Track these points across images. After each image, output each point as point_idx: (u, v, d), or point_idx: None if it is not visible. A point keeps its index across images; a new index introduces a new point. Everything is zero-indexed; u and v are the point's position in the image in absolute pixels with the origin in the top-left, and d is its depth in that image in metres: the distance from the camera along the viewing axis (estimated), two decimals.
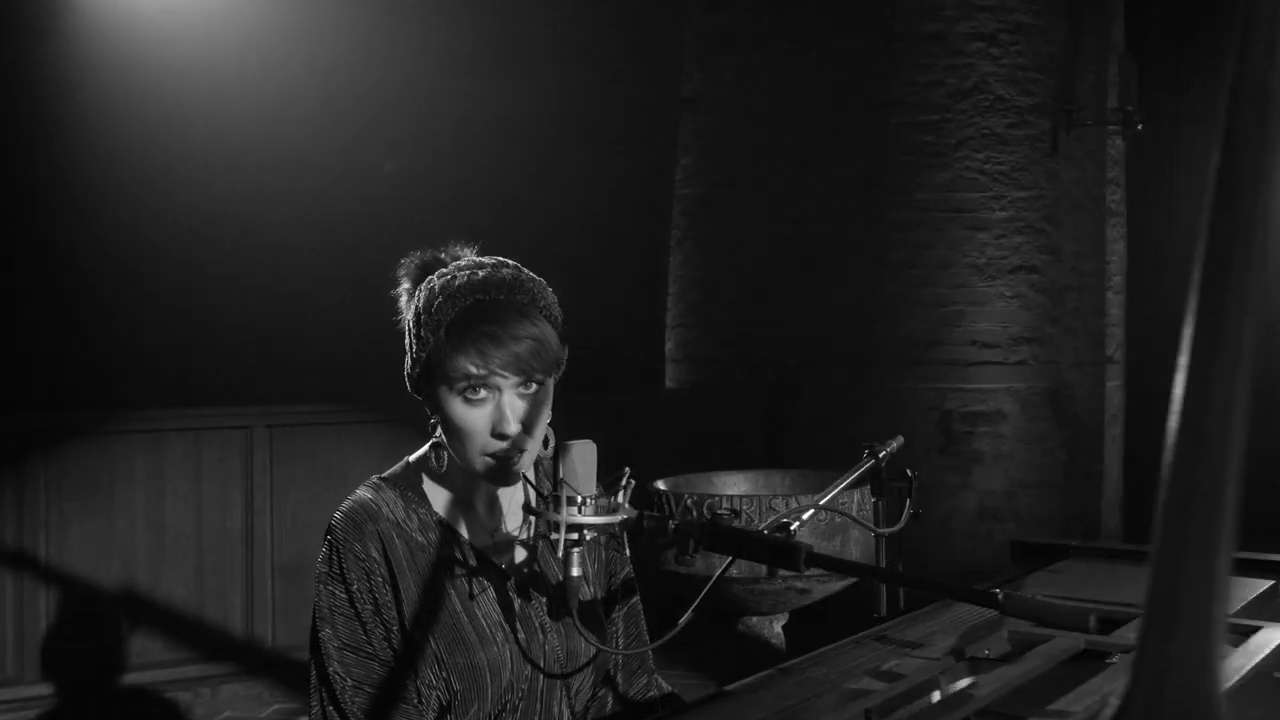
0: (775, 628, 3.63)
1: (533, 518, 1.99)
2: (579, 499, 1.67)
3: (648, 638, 2.12)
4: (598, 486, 1.71)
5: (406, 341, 1.94)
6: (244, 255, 6.72)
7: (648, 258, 8.28)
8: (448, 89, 7.53)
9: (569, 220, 8.11)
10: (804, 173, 7.80)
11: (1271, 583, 2.00)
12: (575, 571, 1.72)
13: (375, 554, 1.85)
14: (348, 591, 1.84)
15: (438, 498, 1.95)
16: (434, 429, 1.94)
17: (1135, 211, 8.39)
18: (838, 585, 3.45)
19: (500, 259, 1.93)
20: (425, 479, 1.97)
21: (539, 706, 1.88)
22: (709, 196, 8.16)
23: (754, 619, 3.59)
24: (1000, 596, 1.36)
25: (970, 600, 1.41)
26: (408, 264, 2.01)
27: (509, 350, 1.83)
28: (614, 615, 2.07)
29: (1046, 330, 7.84)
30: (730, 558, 1.65)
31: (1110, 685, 1.35)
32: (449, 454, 1.91)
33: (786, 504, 3.45)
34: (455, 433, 1.87)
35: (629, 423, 6.86)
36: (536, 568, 1.97)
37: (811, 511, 1.94)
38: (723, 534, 1.56)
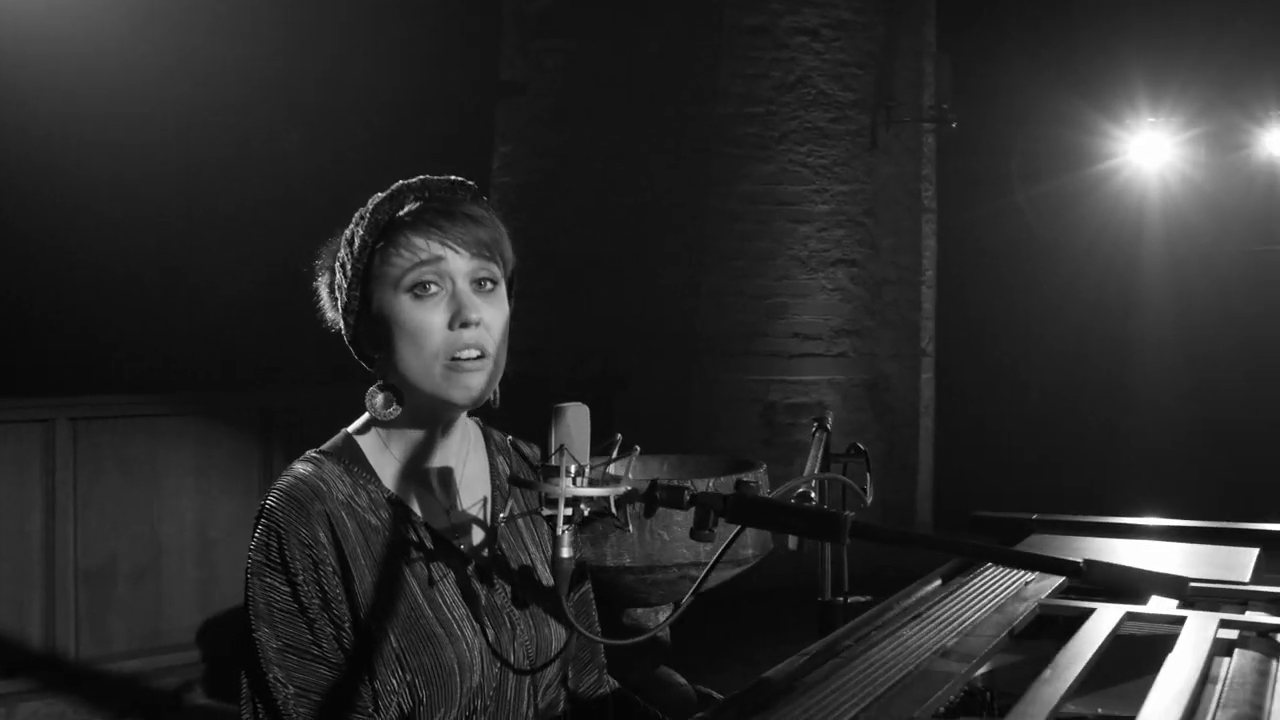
0: (659, 618, 3.48)
1: (491, 493, 1.78)
2: (573, 469, 1.48)
3: (599, 628, 1.94)
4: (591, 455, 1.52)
5: (336, 291, 1.71)
6: (45, 233, 6.15)
7: None
8: (258, 68, 7.11)
9: None
10: (628, 163, 7.69)
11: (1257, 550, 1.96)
12: (567, 553, 1.52)
13: (324, 538, 1.59)
14: (290, 584, 1.57)
15: (386, 471, 1.70)
16: (380, 369, 1.70)
17: (945, 207, 8.58)
18: (731, 573, 3.32)
19: None
20: (369, 451, 1.72)
21: (508, 708, 1.67)
22: (529, 185, 7.97)
23: (639, 610, 3.43)
24: (1083, 565, 1.25)
25: (1053, 570, 1.29)
26: (325, 251, 1.77)
27: (464, 226, 1.62)
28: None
29: (865, 323, 7.94)
30: (735, 532, 1.48)
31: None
32: (396, 397, 1.68)
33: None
34: (409, 338, 1.63)
35: None
36: (499, 550, 1.75)
37: (812, 481, 1.78)
38: (750, 504, 1.39)
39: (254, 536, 1.61)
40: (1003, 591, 1.65)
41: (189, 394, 5.45)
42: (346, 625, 1.58)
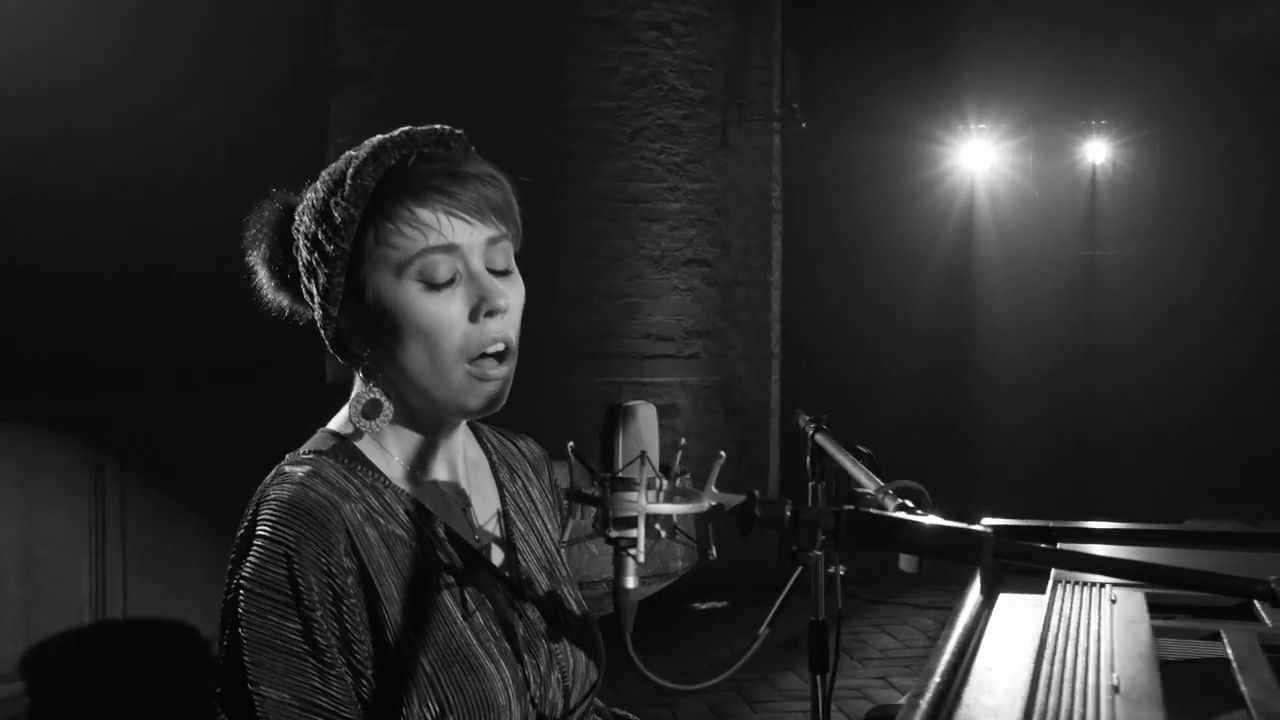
0: None
1: (501, 499, 1.52)
2: (647, 482, 1.23)
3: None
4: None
5: (306, 277, 1.41)
6: None
7: None
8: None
9: (219, 199, 7.26)
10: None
11: None
12: (632, 583, 1.27)
13: (347, 561, 1.29)
14: (304, 620, 1.26)
15: (392, 473, 1.42)
16: (368, 372, 1.41)
17: (790, 208, 8.55)
18: (658, 588, 3.09)
19: None
20: (366, 448, 1.42)
21: None
22: None
23: None
24: (1275, 583, 1.08)
25: (1225, 590, 1.11)
26: (258, 219, 1.46)
27: (475, 189, 1.36)
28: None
29: (717, 324, 7.83)
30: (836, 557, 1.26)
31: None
32: (392, 401, 1.40)
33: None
34: (423, 336, 1.35)
35: (298, 416, 6.21)
36: (522, 565, 1.48)
37: (878, 490, 1.57)
38: (869, 521, 1.17)
39: (247, 562, 1.29)
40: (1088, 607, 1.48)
41: (13, 397, 4.91)
42: (368, 673, 1.29)
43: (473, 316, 1.36)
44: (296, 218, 1.42)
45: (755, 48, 8.03)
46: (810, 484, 2.00)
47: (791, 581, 1.38)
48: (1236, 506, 7.57)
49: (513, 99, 7.32)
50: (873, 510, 1.20)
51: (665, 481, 1.23)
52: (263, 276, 1.47)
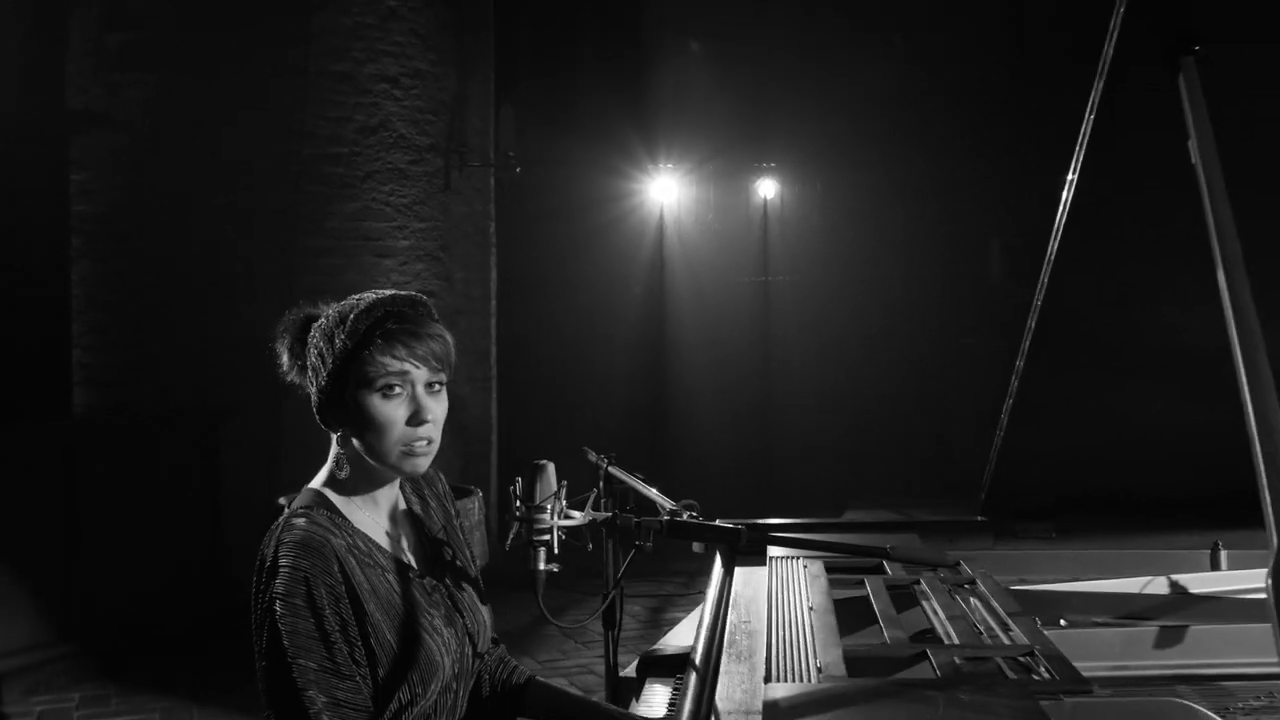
0: None
1: (422, 516, 2.32)
2: (550, 506, 2.11)
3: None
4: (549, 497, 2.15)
5: (311, 373, 2.18)
6: None
7: (47, 272, 7.84)
8: None
9: None
10: (217, 197, 7.87)
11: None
12: (543, 565, 2.14)
13: (340, 576, 2.02)
14: (318, 616, 1.95)
15: (356, 515, 2.19)
16: (341, 440, 2.17)
17: (503, 241, 9.45)
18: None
19: None
20: (338, 503, 2.20)
21: (466, 675, 2.22)
22: (110, 215, 7.94)
23: None
24: (890, 548, 2.05)
25: (865, 554, 2.09)
26: (287, 321, 2.24)
27: (426, 345, 2.10)
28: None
29: None
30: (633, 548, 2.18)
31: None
32: (354, 462, 2.17)
33: None
34: (376, 428, 2.06)
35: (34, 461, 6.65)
36: (457, 563, 2.30)
37: (672, 511, 2.48)
38: (679, 526, 2.09)
39: (276, 583, 2.01)
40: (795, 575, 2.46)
41: None
42: (358, 645, 2.06)
43: (409, 421, 2.15)
44: (312, 329, 2.20)
45: (473, 99, 8.89)
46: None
47: (627, 561, 2.27)
48: (887, 499, 9.07)
49: (254, 144, 7.87)
50: (681, 518, 2.11)
51: (562, 505, 2.11)
52: (284, 360, 2.24)
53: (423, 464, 2.15)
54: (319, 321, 2.21)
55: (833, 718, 1.53)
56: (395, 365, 2.09)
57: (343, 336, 2.12)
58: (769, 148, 11.36)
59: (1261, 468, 1.51)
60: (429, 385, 2.14)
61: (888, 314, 10.90)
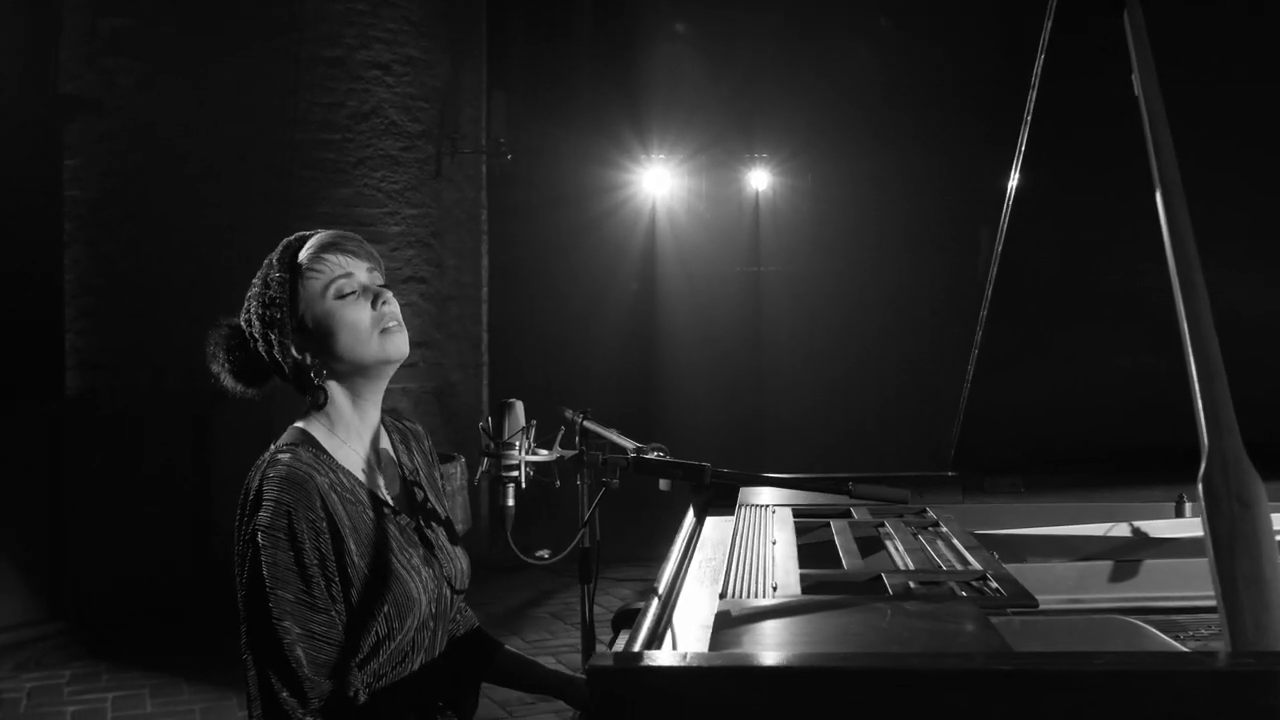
0: None
1: (401, 458, 2.36)
2: (519, 443, 2.16)
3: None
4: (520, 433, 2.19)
5: (264, 329, 2.17)
6: None
7: (41, 256, 7.89)
8: None
9: None
10: (208, 183, 7.91)
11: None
12: (511, 501, 2.18)
13: (321, 511, 2.01)
14: (297, 549, 1.98)
15: (339, 452, 2.21)
16: (314, 370, 2.15)
17: (495, 229, 9.50)
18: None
19: None
20: (321, 438, 2.19)
21: (444, 615, 2.26)
22: (102, 201, 7.98)
23: None
24: (850, 486, 2.09)
25: (826, 490, 2.13)
26: (213, 340, 2.23)
27: (356, 245, 2.19)
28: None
29: (434, 336, 8.67)
30: (602, 490, 2.23)
31: None
32: (335, 398, 2.18)
33: None
34: (347, 327, 2.11)
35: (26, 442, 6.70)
36: (429, 505, 2.34)
37: (638, 449, 2.52)
38: (646, 464, 2.13)
39: (259, 515, 2.03)
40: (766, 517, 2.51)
41: None
42: (336, 580, 2.09)
43: (373, 306, 2.16)
44: (242, 317, 2.23)
45: (466, 87, 8.93)
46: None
47: (597, 500, 2.31)
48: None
49: (247, 131, 7.91)
50: (646, 456, 2.16)
51: (529, 442, 2.15)
52: (225, 375, 2.25)
53: (401, 340, 2.19)
54: (250, 294, 2.23)
55: (779, 624, 1.58)
56: (335, 265, 2.15)
57: (277, 273, 2.17)
58: (761, 139, 11.42)
59: (1191, 358, 1.55)
60: (373, 278, 2.19)
61: (879, 303, 10.95)
